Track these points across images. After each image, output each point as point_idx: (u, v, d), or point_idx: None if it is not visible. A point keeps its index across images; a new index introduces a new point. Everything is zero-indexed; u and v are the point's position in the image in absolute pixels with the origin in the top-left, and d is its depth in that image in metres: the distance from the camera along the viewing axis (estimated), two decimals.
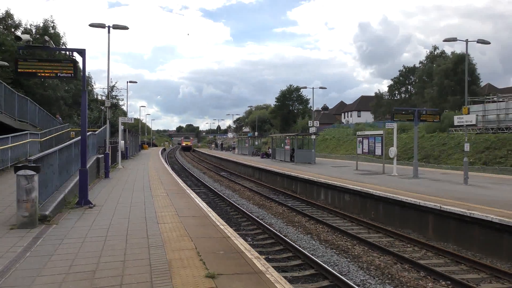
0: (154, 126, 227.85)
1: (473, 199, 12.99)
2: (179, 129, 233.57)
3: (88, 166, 13.43)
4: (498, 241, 10.16)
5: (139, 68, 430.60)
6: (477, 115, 28.24)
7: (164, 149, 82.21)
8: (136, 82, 45.95)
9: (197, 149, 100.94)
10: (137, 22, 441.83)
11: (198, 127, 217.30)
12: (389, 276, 8.86)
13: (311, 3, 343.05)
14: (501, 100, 38.38)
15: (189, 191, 16.22)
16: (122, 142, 31.97)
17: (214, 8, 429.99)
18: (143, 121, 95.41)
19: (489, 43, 19.61)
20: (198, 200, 13.75)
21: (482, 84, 67.23)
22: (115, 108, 49.25)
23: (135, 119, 62.33)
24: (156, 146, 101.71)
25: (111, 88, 37.37)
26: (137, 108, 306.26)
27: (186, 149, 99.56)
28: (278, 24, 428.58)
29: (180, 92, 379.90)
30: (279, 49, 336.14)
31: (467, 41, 19.23)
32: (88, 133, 15.97)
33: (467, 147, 18.44)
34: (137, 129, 72.21)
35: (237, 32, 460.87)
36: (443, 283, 8.44)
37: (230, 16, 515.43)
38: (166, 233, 8.66)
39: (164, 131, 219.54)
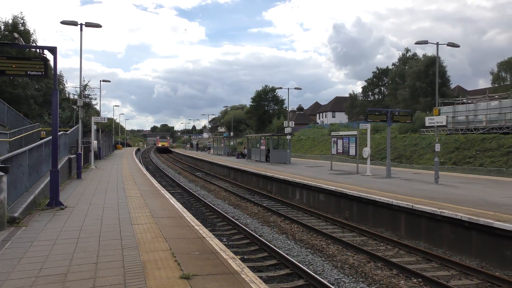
0: (128, 126, 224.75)
1: (443, 198, 13.31)
2: (154, 129, 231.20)
3: (59, 166, 13.12)
4: (467, 239, 10.45)
5: (112, 67, 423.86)
6: (447, 116, 28.92)
7: (139, 149, 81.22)
8: (109, 81, 45.03)
9: (172, 149, 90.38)
10: (110, 20, 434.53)
11: (173, 127, 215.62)
12: (363, 274, 8.99)
13: (287, 4, 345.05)
14: (470, 102, 39.48)
15: (163, 191, 16.07)
16: (95, 142, 31.41)
17: (189, 7, 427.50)
18: (116, 121, 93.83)
19: (458, 46, 20.15)
20: (173, 200, 13.63)
21: (452, 86, 69.09)
22: (88, 107, 48.29)
23: (108, 118, 61.22)
24: (130, 146, 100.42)
25: (84, 87, 36.60)
26: (111, 107, 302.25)
27: (162, 151, 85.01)
28: (254, 25, 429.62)
29: (155, 92, 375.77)
30: (254, 50, 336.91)
31: (437, 44, 19.70)
32: (59, 133, 15.60)
33: (438, 147, 18.90)
34: (110, 129, 71.04)
35: (212, 32, 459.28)
36: (415, 280, 8.62)
37: (205, 15, 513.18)
38: (141, 234, 8.55)
39: (139, 131, 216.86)
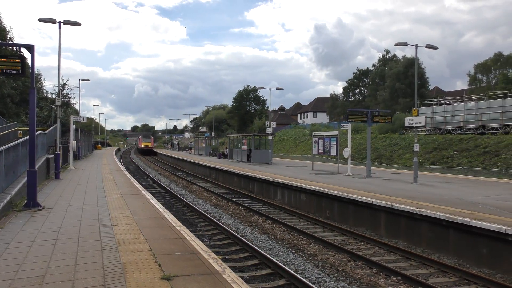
0: (108, 125, 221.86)
1: (422, 198, 13.53)
2: (134, 128, 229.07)
3: (37, 166, 12.88)
4: (445, 237, 10.65)
5: (92, 65, 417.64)
6: (426, 117, 29.39)
7: (119, 149, 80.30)
8: (89, 80, 44.20)
9: (156, 150, 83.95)
10: (90, 18, 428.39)
11: (154, 127, 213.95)
12: (343, 273, 9.07)
13: (268, 4, 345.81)
14: (448, 103, 40.25)
15: (144, 192, 15.92)
16: (74, 142, 30.90)
17: (170, 6, 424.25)
18: (96, 121, 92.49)
19: (436, 48, 20.52)
20: (153, 201, 13.52)
21: (431, 87, 70.33)
22: (67, 106, 47.51)
23: (88, 118, 60.46)
24: (110, 146, 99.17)
25: (62, 86, 36.01)
26: (90, 107, 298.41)
27: (145, 152, 74.83)
28: (236, 25, 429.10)
29: (135, 91, 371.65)
30: (236, 50, 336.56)
31: (416, 46, 20.02)
32: (37, 133, 15.31)
33: (417, 147, 19.20)
34: (90, 128, 70.04)
35: (194, 31, 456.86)
36: (394, 279, 8.74)
37: (186, 15, 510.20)
38: (121, 235, 8.45)
39: (119, 130, 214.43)
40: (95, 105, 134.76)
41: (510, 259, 9.02)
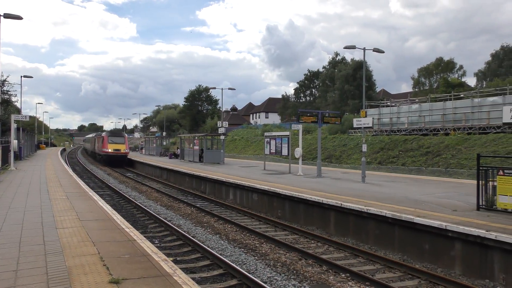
0: (53, 124, 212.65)
1: (369, 196, 14.00)
2: (81, 128, 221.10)
3: None
4: (391, 234, 11.07)
5: (35, 62, 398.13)
6: (373, 118, 30.48)
7: (64, 149, 77.13)
8: (31, 77, 42.18)
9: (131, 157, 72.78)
10: (33, 12, 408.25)
11: (102, 126, 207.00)
12: (294, 272, 9.21)
13: (220, 4, 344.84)
14: (393, 105, 41.92)
15: (91, 193, 15.40)
16: (15, 141, 29.37)
17: (119, 2, 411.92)
18: (40, 119, 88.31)
19: (383, 52, 21.31)
20: (101, 202, 13.11)
21: (378, 89, 72.98)
22: (7, 104, 44.93)
23: (30, 117, 57.72)
24: (55, 146, 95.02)
25: (2, 83, 34.08)
26: (34, 105, 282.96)
27: (116, 162, 42.29)
28: (187, 23, 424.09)
29: (82, 89, 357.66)
30: (188, 49, 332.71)
31: (364, 49, 20.69)
32: None
33: (364, 148, 19.84)
34: (33, 127, 66.80)
35: (144, 29, 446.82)
36: (343, 275, 8.97)
37: (136, 12, 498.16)
38: (66, 239, 8.12)
39: (65, 130, 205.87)
40: (38, 103, 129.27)
41: (450, 253, 9.52)
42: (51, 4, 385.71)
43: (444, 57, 68.91)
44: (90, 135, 75.27)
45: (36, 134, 66.20)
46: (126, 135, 48.22)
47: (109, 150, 41.29)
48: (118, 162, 41.79)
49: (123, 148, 41.84)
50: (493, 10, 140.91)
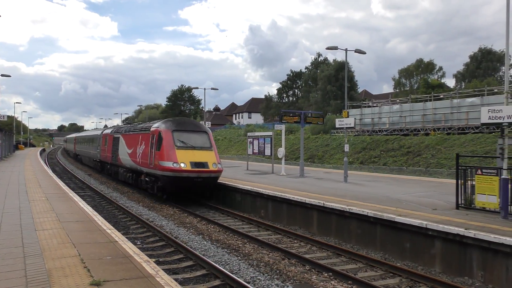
0: (32, 124, 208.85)
1: (352, 196, 14.12)
2: (61, 128, 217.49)
3: None
4: (372, 233, 11.19)
5: (13, 60, 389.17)
6: (355, 119, 30.75)
7: (44, 150, 75.81)
8: (9, 76, 41.23)
9: None
10: (11, 9, 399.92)
11: (82, 126, 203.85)
12: (278, 271, 9.23)
13: (203, 4, 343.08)
14: (375, 105, 42.40)
15: (72, 194, 15.17)
16: None
17: (100, 1, 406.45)
18: (18, 119, 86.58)
19: (365, 53, 21.52)
20: (82, 203, 12.93)
21: (360, 90, 73.74)
22: None
23: (8, 116, 56.57)
24: (34, 146, 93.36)
25: None
26: (11, 104, 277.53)
27: (191, 191, 18.25)
28: (169, 23, 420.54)
29: (62, 89, 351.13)
30: (170, 48, 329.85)
31: (346, 50, 20.87)
32: None
33: (346, 147, 20.01)
34: (11, 127, 65.49)
35: (125, 28, 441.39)
36: (326, 275, 9.03)
37: (118, 10, 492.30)
38: (46, 241, 7.98)
39: (44, 130, 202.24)
40: (17, 102, 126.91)
41: (430, 251, 9.67)
42: (30, 2, 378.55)
43: (424, 59, 70.11)
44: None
45: (14, 134, 64.91)
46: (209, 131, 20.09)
47: (180, 166, 17.01)
48: (200, 190, 18.55)
49: (211, 159, 17.93)
50: (471, 13, 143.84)
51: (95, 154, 34.58)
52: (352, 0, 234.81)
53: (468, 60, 69.17)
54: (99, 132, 35.09)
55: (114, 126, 39.66)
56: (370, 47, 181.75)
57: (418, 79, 67.87)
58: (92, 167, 37.65)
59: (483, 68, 64.91)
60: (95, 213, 11.38)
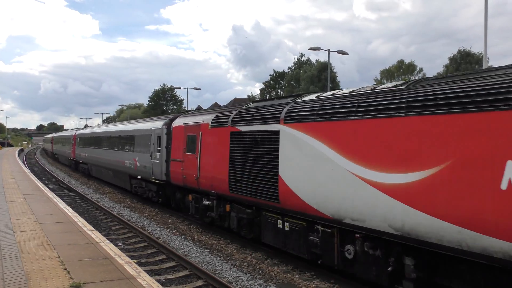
0: (10, 124, 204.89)
1: None
2: (40, 127, 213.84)
3: None
4: None
5: None
6: None
7: (22, 150, 74.39)
8: None
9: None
10: None
11: (62, 126, 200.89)
12: (260, 271, 9.23)
13: (185, 3, 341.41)
14: None
15: (51, 195, 14.94)
16: None
17: None
18: None
19: (347, 54, 21.77)
20: (62, 204, 12.74)
21: None
22: None
23: None
24: (12, 146, 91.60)
25: None
26: None
27: None
28: (151, 21, 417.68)
29: (42, 87, 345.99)
30: (152, 47, 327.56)
31: (329, 51, 21.06)
32: None
33: None
34: None
35: (107, 26, 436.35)
36: (308, 274, 9.06)
37: (99, 8, 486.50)
38: (24, 242, 7.83)
39: (22, 129, 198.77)
40: None
41: None
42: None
43: (405, 60, 71.11)
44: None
45: None
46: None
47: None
48: None
49: None
50: (451, 16, 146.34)
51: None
52: (335, 1, 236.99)
53: (447, 62, 70.48)
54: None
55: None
56: (353, 48, 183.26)
57: (399, 80, 68.85)
58: (68, 165, 39.32)
59: (462, 69, 66.09)
60: (75, 214, 11.23)
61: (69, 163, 37.58)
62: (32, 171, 30.86)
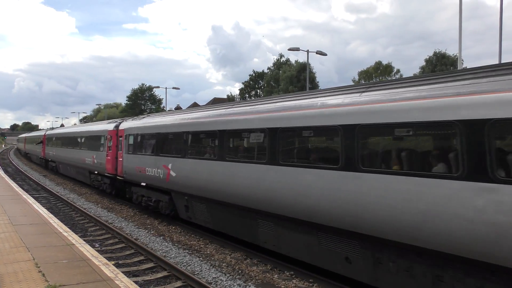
0: None
1: None
2: (14, 127, 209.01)
3: None
4: None
5: None
6: None
7: None
8: None
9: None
10: None
11: (37, 125, 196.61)
12: (240, 271, 9.22)
13: (164, 2, 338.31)
14: None
15: (26, 196, 14.61)
16: None
17: None
18: None
19: (326, 54, 21.97)
20: (37, 205, 12.47)
21: None
22: None
23: None
24: None
25: None
26: None
27: None
28: (129, 20, 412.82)
29: (15, 86, 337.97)
30: (130, 46, 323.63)
31: (308, 51, 21.20)
32: None
33: None
34: None
35: (83, 24, 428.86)
36: (287, 273, 9.09)
37: (75, 6, 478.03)
38: None
39: None
40: None
41: None
42: None
43: (383, 61, 72.21)
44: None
45: None
46: None
47: None
48: None
49: None
50: (426, 18, 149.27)
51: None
52: (314, 2, 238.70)
53: (423, 63, 71.82)
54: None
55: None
56: (331, 49, 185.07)
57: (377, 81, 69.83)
58: (39, 164, 42.29)
59: (437, 71, 67.58)
60: (51, 215, 11.01)
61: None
62: (6, 172, 30.13)
